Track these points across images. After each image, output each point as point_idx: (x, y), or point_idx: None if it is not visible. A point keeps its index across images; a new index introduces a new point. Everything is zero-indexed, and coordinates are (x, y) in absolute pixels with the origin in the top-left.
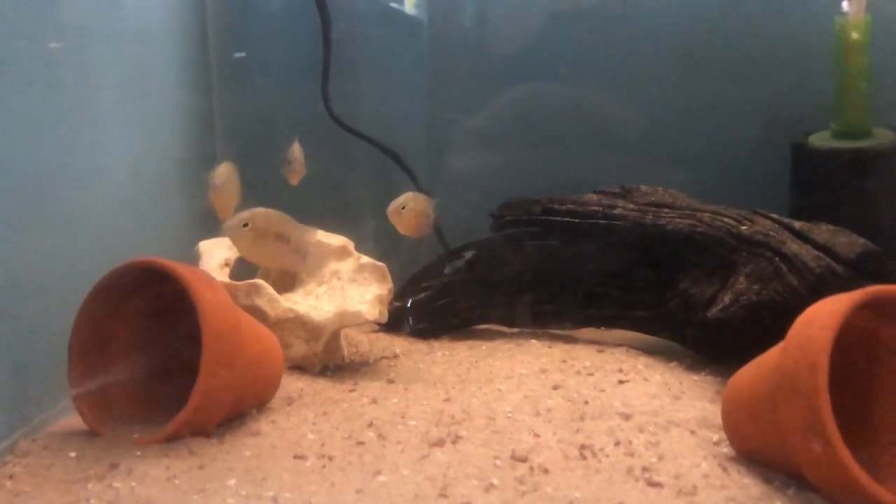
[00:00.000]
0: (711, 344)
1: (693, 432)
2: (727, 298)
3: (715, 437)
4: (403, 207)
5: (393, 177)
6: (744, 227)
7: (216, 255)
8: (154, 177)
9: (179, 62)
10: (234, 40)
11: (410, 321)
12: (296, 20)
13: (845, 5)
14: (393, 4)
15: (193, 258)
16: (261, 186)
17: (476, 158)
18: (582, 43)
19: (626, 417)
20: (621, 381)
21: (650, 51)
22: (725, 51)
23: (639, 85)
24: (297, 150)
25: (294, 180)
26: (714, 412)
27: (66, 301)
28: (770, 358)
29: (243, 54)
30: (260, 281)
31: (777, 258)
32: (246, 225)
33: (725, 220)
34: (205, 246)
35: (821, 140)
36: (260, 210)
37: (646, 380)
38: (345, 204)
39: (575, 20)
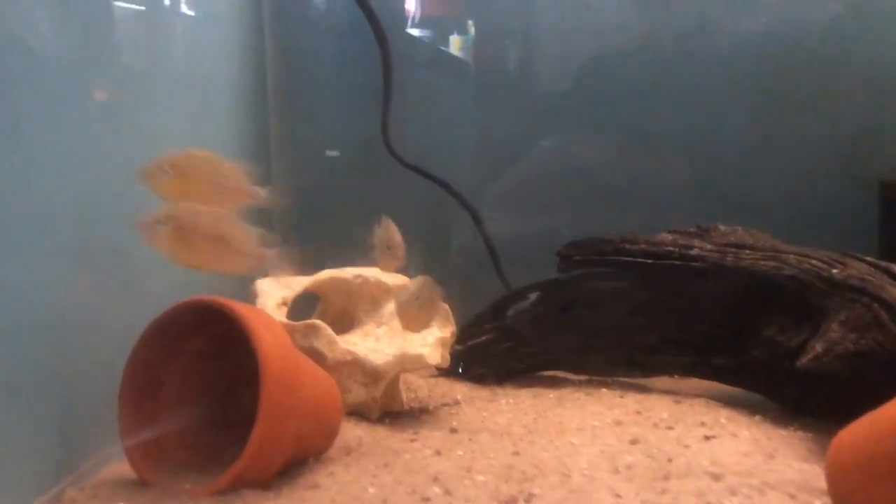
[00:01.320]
0: (800, 396)
1: (793, 496)
2: (819, 347)
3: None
4: (417, 298)
5: (448, 211)
6: (835, 271)
7: (274, 293)
8: None
9: (236, 97)
10: (291, 74)
11: (461, 367)
12: (353, 53)
13: None
14: (441, 47)
15: (250, 297)
16: (314, 217)
17: (525, 209)
18: (634, 83)
19: (717, 478)
20: (707, 437)
21: (718, 86)
22: (802, 85)
23: (704, 124)
24: (393, 230)
25: (390, 267)
26: (814, 474)
27: (116, 341)
28: (888, 415)
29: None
30: (318, 321)
31: (876, 304)
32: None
33: (814, 262)
34: (262, 284)
35: None
36: (184, 205)
37: (734, 435)
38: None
39: (623, 60)
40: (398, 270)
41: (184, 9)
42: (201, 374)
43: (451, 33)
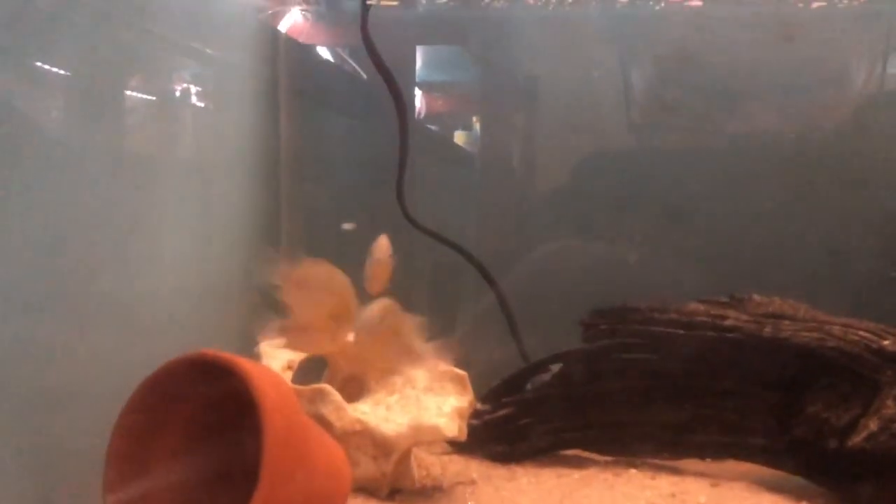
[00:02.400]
0: (850, 480)
1: None
2: (874, 425)
3: None
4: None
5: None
6: (886, 342)
7: (279, 356)
8: (214, 273)
9: (250, 179)
10: (304, 154)
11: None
12: (367, 118)
13: None
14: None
15: (253, 359)
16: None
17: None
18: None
19: None
20: None
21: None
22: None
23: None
24: (384, 248)
25: (374, 287)
26: None
27: (106, 407)
28: None
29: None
30: (326, 386)
31: None
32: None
33: (861, 333)
34: (265, 347)
35: None
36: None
37: None
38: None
39: (624, 160)
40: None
41: (199, 98)
42: (200, 437)
43: (457, 128)
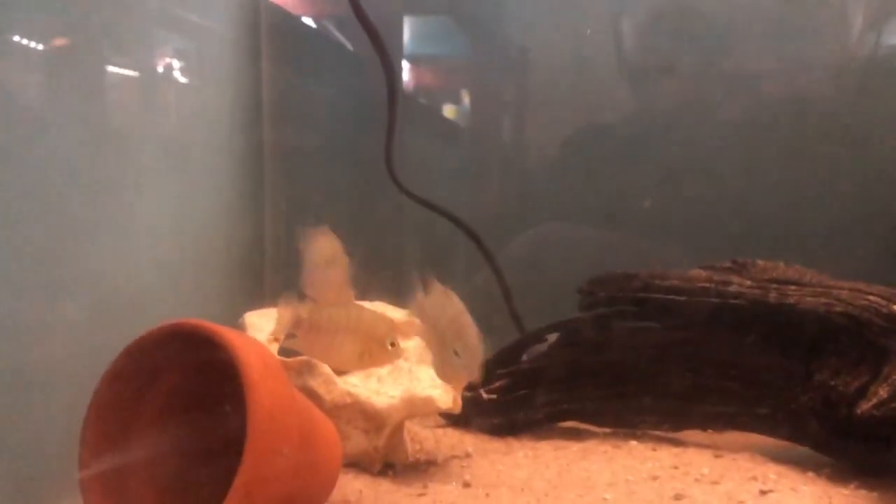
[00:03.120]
0: (860, 449)
1: None
2: (884, 392)
3: None
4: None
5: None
6: None
7: (264, 328)
8: (196, 241)
9: (232, 159)
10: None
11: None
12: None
13: None
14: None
15: (238, 330)
16: None
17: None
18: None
19: None
20: (763, 492)
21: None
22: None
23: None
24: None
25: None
26: None
27: (82, 383)
28: None
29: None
30: (314, 359)
31: None
32: None
33: (870, 297)
34: (251, 318)
35: None
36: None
37: (794, 490)
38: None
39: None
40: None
41: (179, 69)
42: (182, 410)
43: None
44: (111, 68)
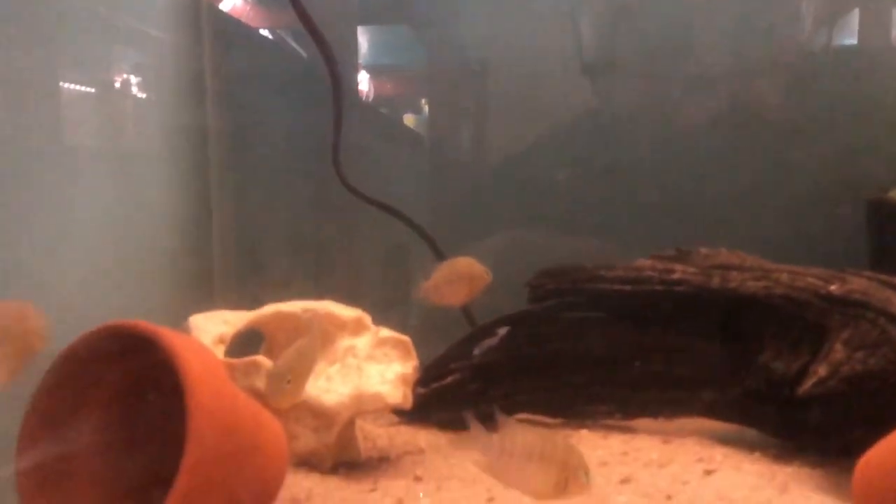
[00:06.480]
0: (802, 427)
1: None
2: (823, 370)
3: None
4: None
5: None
6: (833, 287)
7: (210, 329)
8: (139, 240)
9: (179, 170)
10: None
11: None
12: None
13: None
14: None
15: (183, 332)
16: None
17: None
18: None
19: None
20: (708, 472)
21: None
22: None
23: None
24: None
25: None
26: None
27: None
28: None
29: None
30: (260, 357)
31: (882, 319)
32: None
33: (809, 279)
34: (196, 320)
35: None
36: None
37: (737, 469)
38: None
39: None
40: None
41: (122, 90)
42: (122, 416)
43: (406, 111)
44: (49, 77)
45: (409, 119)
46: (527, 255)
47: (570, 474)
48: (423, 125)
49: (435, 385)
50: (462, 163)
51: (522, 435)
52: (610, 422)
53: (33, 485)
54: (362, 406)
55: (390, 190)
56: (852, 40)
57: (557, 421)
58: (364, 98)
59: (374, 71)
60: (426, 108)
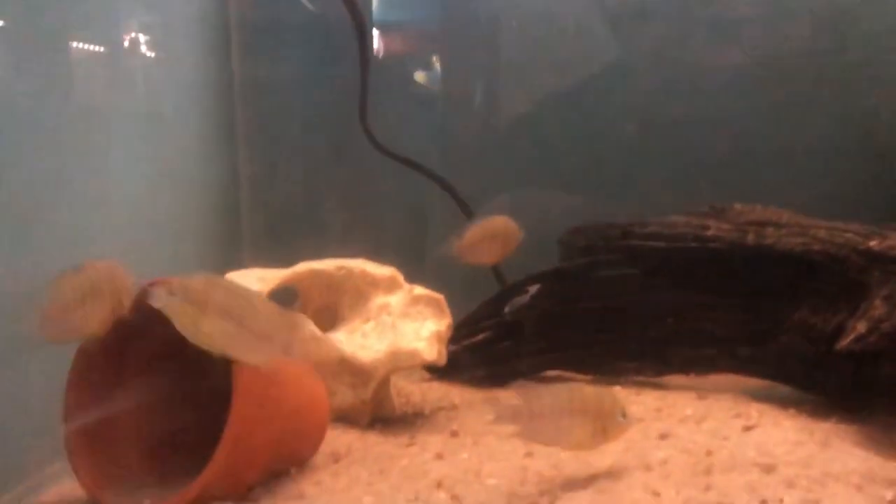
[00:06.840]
0: (840, 384)
1: (859, 488)
2: (862, 327)
3: (889, 495)
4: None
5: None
6: (873, 243)
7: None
8: (172, 200)
9: (204, 130)
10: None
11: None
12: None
13: None
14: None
15: None
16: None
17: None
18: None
19: (768, 469)
20: (747, 427)
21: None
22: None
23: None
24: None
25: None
26: (880, 464)
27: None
28: None
29: None
30: (299, 314)
31: None
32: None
33: (847, 235)
34: (233, 278)
35: None
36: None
37: (776, 425)
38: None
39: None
40: None
41: (149, 50)
42: (163, 375)
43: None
44: (77, 44)
45: (420, 76)
46: (539, 214)
47: (607, 419)
48: (436, 81)
49: (466, 343)
50: (475, 119)
51: (549, 393)
52: (642, 378)
53: (80, 439)
54: (398, 363)
55: (403, 144)
56: None
57: (588, 378)
58: (376, 54)
59: (385, 27)
60: (437, 65)
